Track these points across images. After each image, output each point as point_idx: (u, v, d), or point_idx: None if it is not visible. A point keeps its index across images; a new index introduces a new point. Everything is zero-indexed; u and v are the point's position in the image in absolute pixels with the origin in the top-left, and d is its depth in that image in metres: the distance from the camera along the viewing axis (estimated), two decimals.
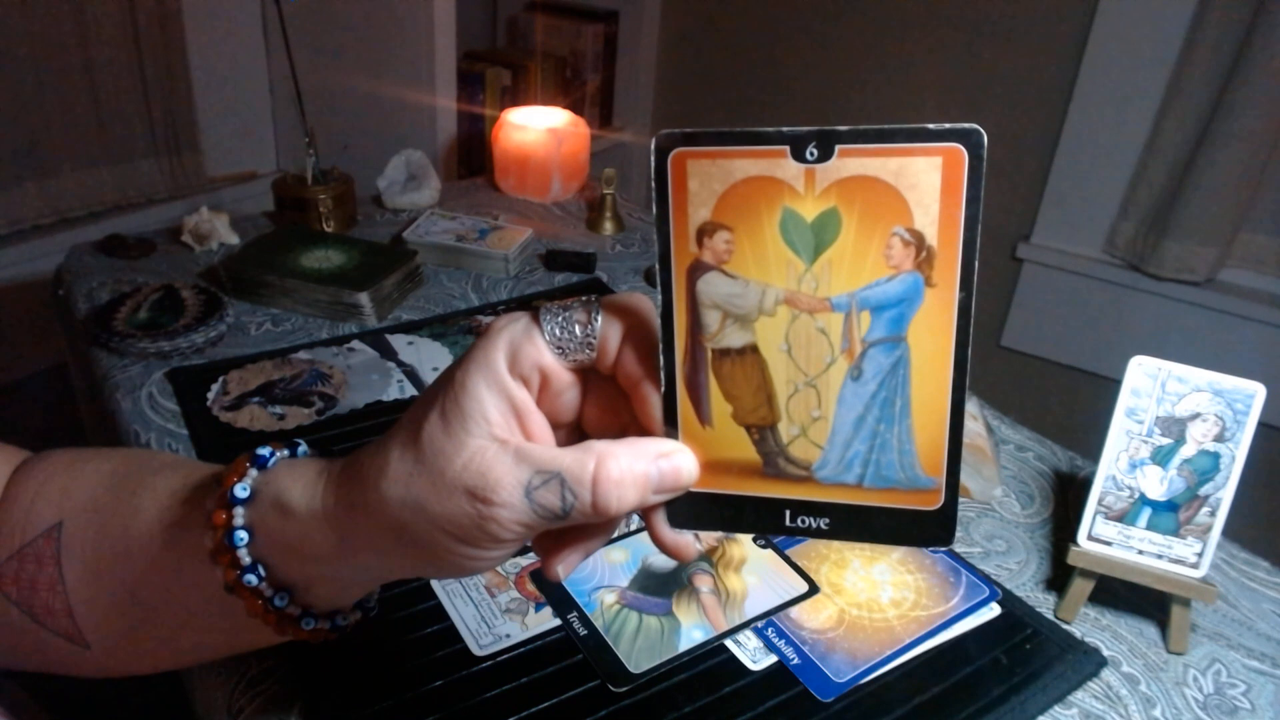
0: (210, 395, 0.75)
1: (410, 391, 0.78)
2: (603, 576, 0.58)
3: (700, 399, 0.32)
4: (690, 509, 0.33)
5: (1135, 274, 1.59)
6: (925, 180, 0.28)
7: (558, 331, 0.32)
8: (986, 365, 1.82)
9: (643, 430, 0.33)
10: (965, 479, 0.70)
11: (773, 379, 0.31)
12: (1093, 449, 0.59)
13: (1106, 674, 0.55)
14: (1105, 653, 0.56)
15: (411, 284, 0.97)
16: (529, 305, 0.34)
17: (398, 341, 0.86)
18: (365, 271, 0.92)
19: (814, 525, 0.32)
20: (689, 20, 2.02)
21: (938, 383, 0.30)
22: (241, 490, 0.36)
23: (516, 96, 1.90)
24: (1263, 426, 0.53)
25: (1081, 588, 0.58)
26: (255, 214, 1.14)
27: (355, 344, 0.85)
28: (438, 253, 1.03)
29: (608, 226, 1.16)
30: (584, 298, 0.34)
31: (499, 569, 0.58)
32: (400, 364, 0.83)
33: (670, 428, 0.32)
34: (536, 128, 1.22)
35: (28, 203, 1.60)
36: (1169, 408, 0.55)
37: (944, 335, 0.29)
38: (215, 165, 1.84)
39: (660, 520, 0.34)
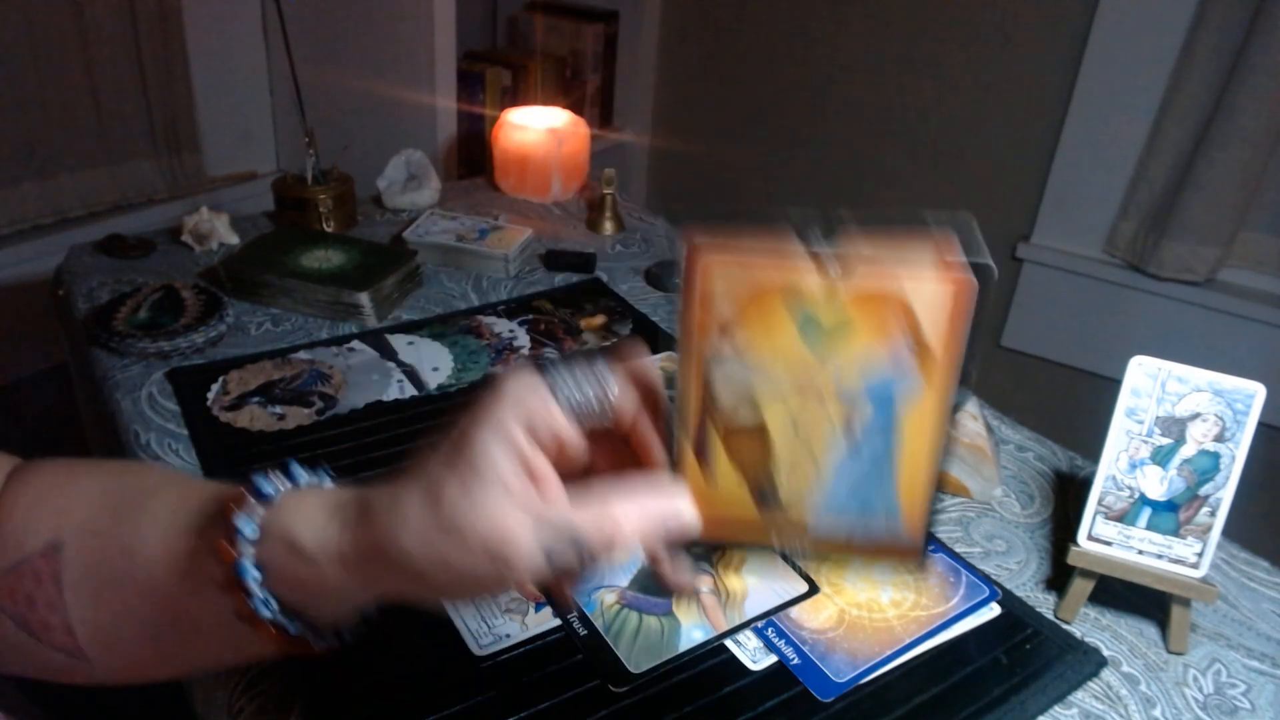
0: (210, 395, 0.75)
1: (410, 391, 0.78)
2: (603, 576, 0.58)
3: (707, 463, 0.35)
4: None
5: (1135, 274, 1.58)
6: (935, 298, 0.31)
7: (575, 399, 0.34)
8: (986, 365, 1.82)
9: (642, 467, 0.36)
10: (965, 479, 0.70)
11: (777, 453, 0.34)
12: (1093, 449, 0.59)
13: (1106, 674, 0.55)
14: (1105, 653, 0.56)
15: (411, 284, 0.97)
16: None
17: (398, 341, 0.86)
18: (365, 271, 0.92)
19: (800, 550, 0.37)
20: (689, 20, 2.02)
21: (923, 460, 0.34)
22: (246, 526, 0.36)
23: (516, 96, 1.90)
24: (1263, 426, 0.53)
25: (1081, 588, 0.58)
26: (255, 214, 1.14)
27: (355, 344, 0.85)
28: (438, 253, 1.03)
29: (608, 226, 1.16)
30: (592, 361, 0.35)
31: None
32: (400, 364, 0.83)
33: (671, 469, 0.35)
34: (536, 128, 1.22)
35: (28, 203, 1.60)
36: (1169, 408, 0.55)
37: (932, 420, 0.33)
38: (215, 165, 1.84)
39: (664, 559, 0.37)
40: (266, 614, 0.36)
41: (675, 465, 0.35)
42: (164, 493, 0.40)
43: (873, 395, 0.33)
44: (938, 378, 0.32)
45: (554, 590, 0.38)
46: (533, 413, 0.33)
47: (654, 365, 0.36)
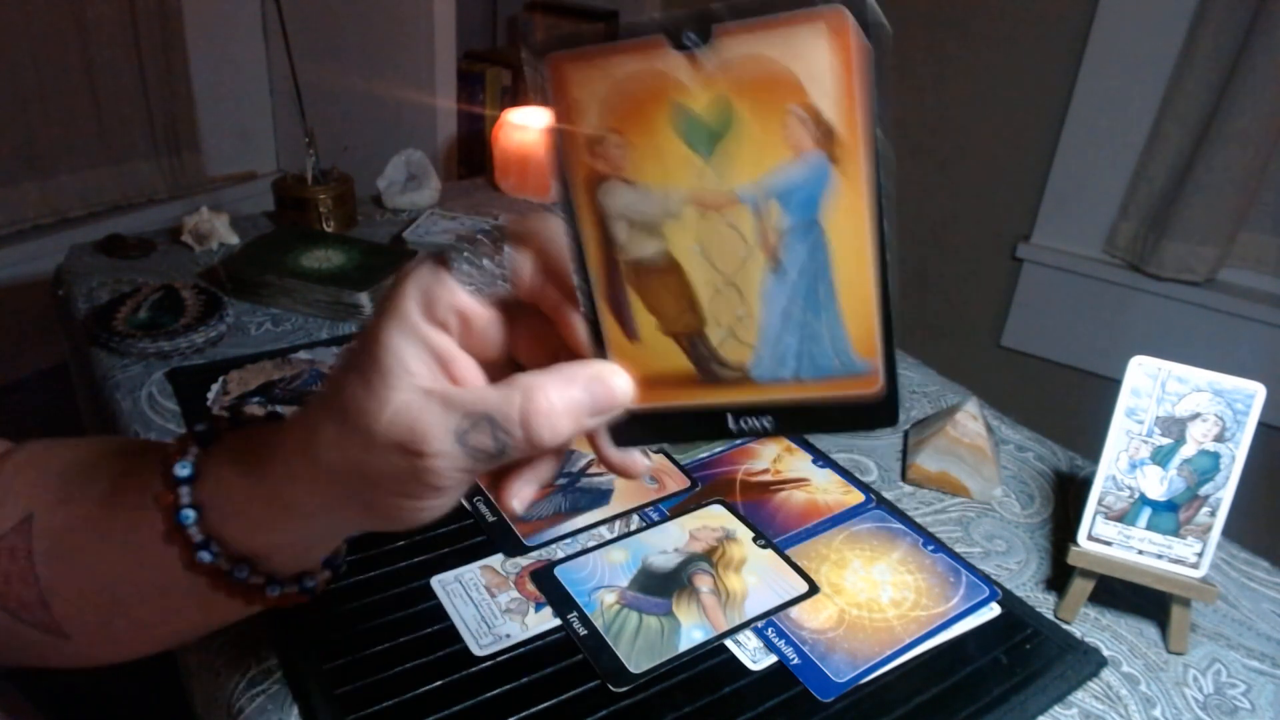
0: (210, 395, 0.75)
1: None
2: (603, 576, 0.58)
3: (624, 315, 0.31)
4: (632, 426, 0.32)
5: (1135, 274, 1.59)
6: (813, 51, 0.26)
7: (468, 269, 0.31)
8: (986, 365, 1.82)
9: (573, 355, 0.32)
10: (965, 479, 0.70)
11: (692, 284, 0.30)
12: (1093, 449, 0.59)
13: (1106, 674, 0.55)
14: (1105, 653, 0.56)
15: None
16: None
17: None
18: (365, 271, 0.92)
19: (758, 426, 0.31)
20: None
21: (860, 264, 0.28)
22: (183, 469, 0.36)
23: (516, 96, 1.90)
24: (1263, 426, 0.53)
25: (1081, 588, 0.58)
26: (255, 214, 1.14)
27: None
28: None
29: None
30: (488, 228, 0.32)
31: (499, 569, 0.58)
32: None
33: (598, 348, 0.31)
34: (536, 128, 1.22)
35: (28, 203, 1.60)
36: (1169, 408, 0.55)
37: (859, 214, 0.28)
38: (215, 165, 1.84)
39: (605, 442, 0.33)
40: (209, 559, 0.36)
41: (590, 321, 0.31)
42: (125, 457, 0.40)
43: (777, 191, 0.28)
44: (846, 153, 0.27)
45: (499, 494, 0.35)
46: (429, 292, 0.31)
47: (554, 220, 0.31)
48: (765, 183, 0.28)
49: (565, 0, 2.06)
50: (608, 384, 0.31)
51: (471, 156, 1.81)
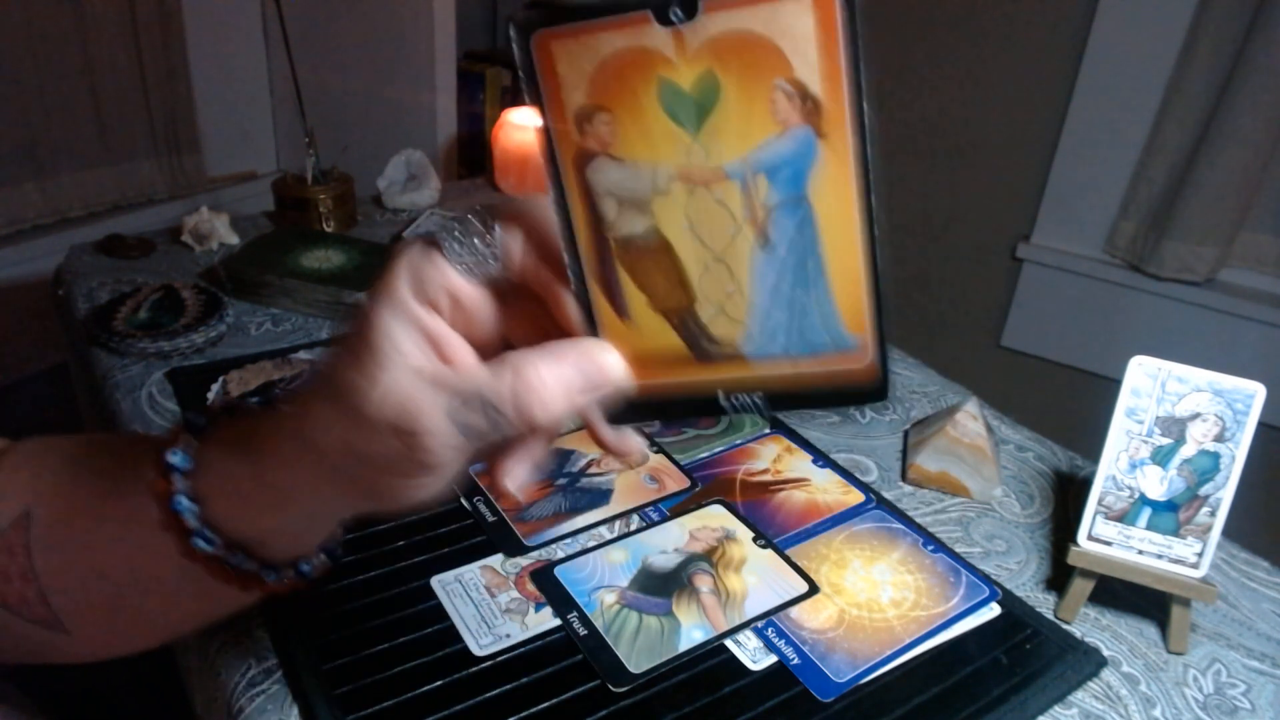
0: (210, 395, 0.75)
1: None
2: (603, 576, 0.58)
3: (614, 293, 0.31)
4: (625, 405, 0.32)
5: (1135, 274, 1.59)
6: (798, 25, 0.26)
7: (458, 248, 0.31)
8: (986, 365, 1.82)
9: (565, 335, 0.32)
10: (965, 479, 0.70)
11: (681, 260, 0.30)
12: (1093, 449, 0.59)
13: (1106, 674, 0.55)
14: (1105, 653, 0.56)
15: None
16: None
17: None
18: (365, 271, 0.92)
19: (750, 402, 0.31)
20: None
21: (848, 238, 0.28)
22: (175, 457, 0.36)
23: (516, 96, 1.90)
24: (1263, 426, 0.53)
25: (1081, 588, 0.58)
26: (255, 214, 1.14)
27: None
28: None
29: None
30: (478, 208, 0.32)
31: (499, 569, 0.58)
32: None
33: (590, 327, 0.31)
34: (536, 127, 1.22)
35: (28, 203, 1.60)
36: (1169, 408, 0.55)
37: (846, 187, 0.28)
38: (215, 165, 1.84)
39: (599, 421, 0.33)
40: (206, 547, 0.36)
41: (581, 300, 0.31)
42: (120, 450, 0.40)
43: (765, 166, 0.28)
44: (832, 125, 0.27)
45: (496, 471, 0.35)
46: (421, 275, 0.31)
47: (543, 200, 0.31)
48: (752, 158, 0.28)
49: (565, 0, 2.06)
50: (598, 360, 0.31)
51: (471, 156, 1.81)
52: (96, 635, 0.41)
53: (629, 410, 0.32)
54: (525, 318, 0.34)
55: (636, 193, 0.29)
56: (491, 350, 0.34)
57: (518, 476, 0.35)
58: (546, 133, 0.29)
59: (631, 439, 0.35)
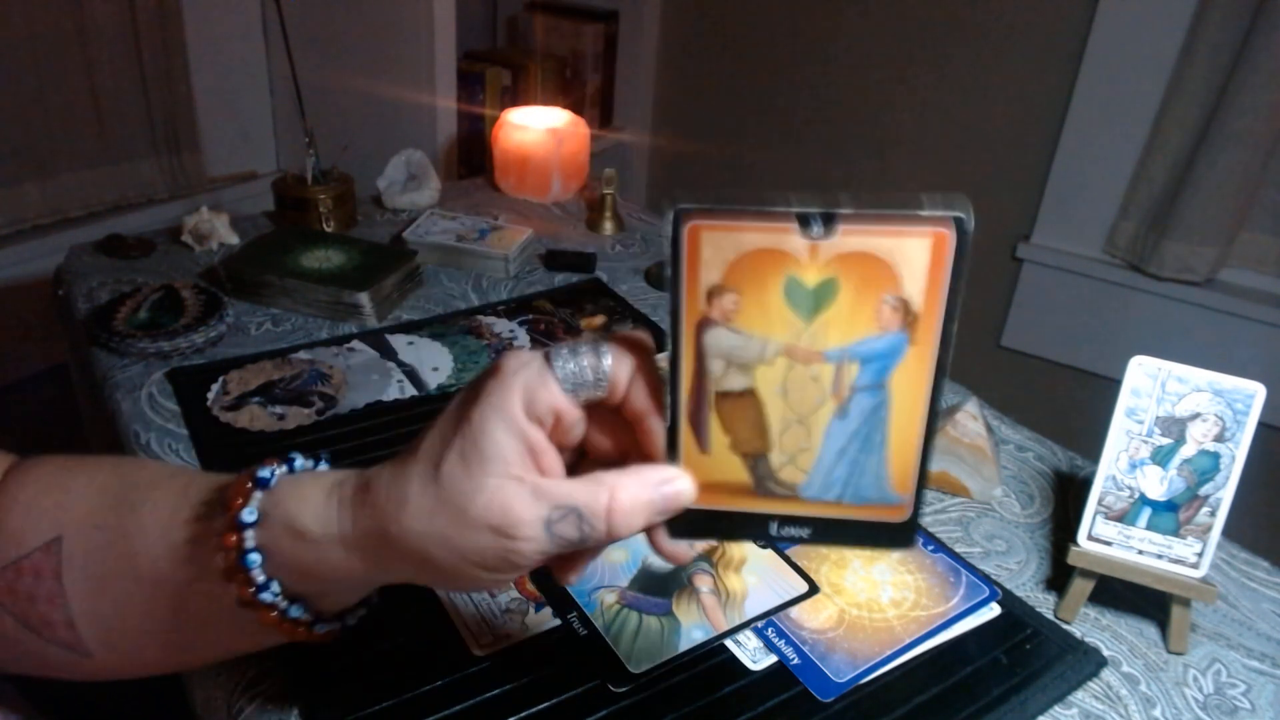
0: (210, 395, 0.75)
1: (410, 391, 0.78)
2: (603, 576, 0.58)
3: (701, 431, 0.35)
4: (688, 522, 0.37)
5: (1135, 274, 1.58)
6: (915, 257, 0.32)
7: (571, 374, 0.35)
8: (986, 365, 1.82)
9: (644, 454, 0.37)
10: (965, 479, 0.70)
11: (768, 416, 0.35)
12: (1093, 449, 0.59)
13: (1106, 674, 0.55)
14: (1105, 653, 0.56)
15: (411, 284, 0.97)
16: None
17: (398, 341, 0.86)
18: (365, 271, 0.92)
19: (796, 534, 0.37)
20: (689, 20, 2.02)
21: (912, 420, 0.34)
22: (249, 514, 0.36)
23: (516, 96, 1.90)
24: (1263, 426, 0.53)
25: (1081, 588, 0.58)
26: (255, 214, 1.14)
27: (355, 344, 0.85)
28: (438, 253, 1.03)
29: (608, 226, 1.16)
30: (592, 339, 0.36)
31: None
32: (400, 364, 0.83)
33: (672, 455, 0.36)
34: (536, 128, 1.22)
35: (28, 203, 1.60)
36: (1169, 408, 0.55)
37: (920, 383, 0.34)
38: (215, 165, 1.84)
39: (661, 533, 0.37)
40: (269, 599, 0.37)
41: (670, 432, 0.35)
42: (165, 484, 0.41)
43: (859, 356, 0.34)
44: (922, 335, 0.33)
45: (558, 572, 0.39)
46: (530, 388, 0.34)
47: (648, 337, 0.37)
48: (850, 348, 0.33)
49: (565, 0, 2.06)
50: (677, 488, 0.35)
51: (471, 156, 1.81)
52: (120, 661, 0.41)
53: (689, 525, 0.37)
54: (605, 428, 0.38)
55: (744, 358, 0.34)
56: (569, 453, 0.38)
57: (581, 573, 0.40)
58: (677, 297, 0.33)
59: (684, 548, 0.39)
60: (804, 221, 0.32)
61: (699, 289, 0.33)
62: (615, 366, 0.35)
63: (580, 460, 0.39)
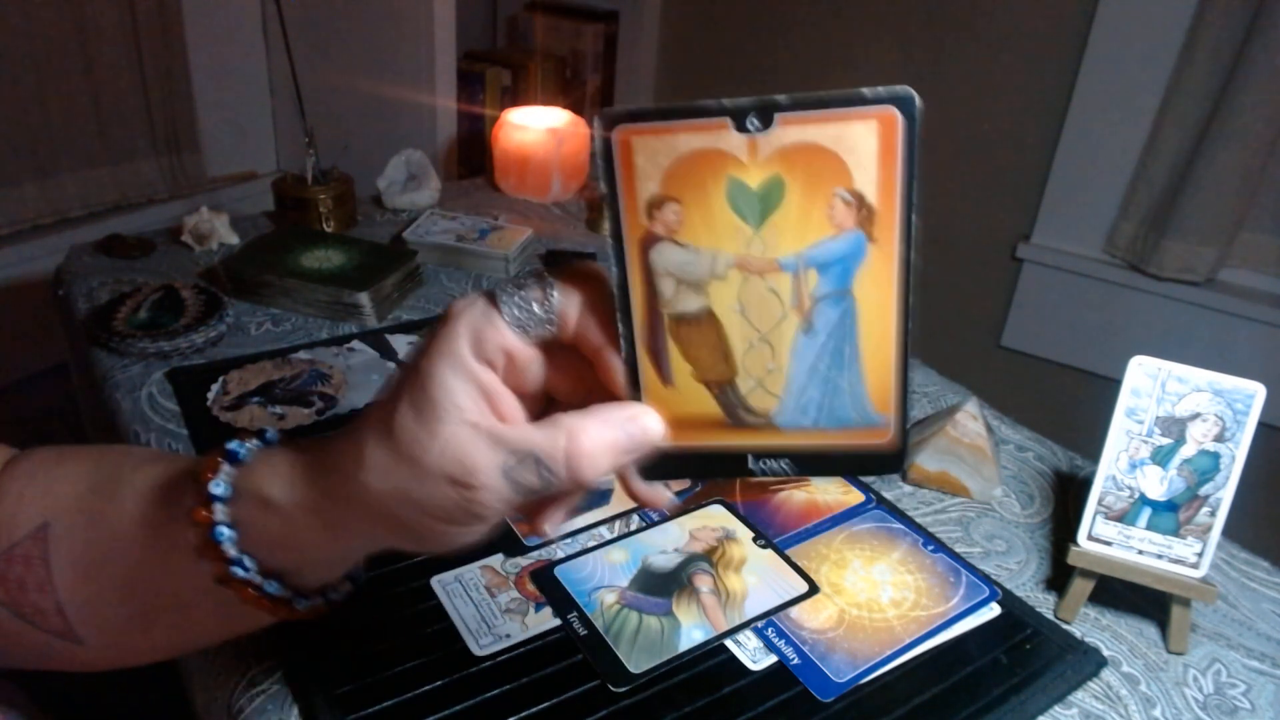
0: (210, 395, 0.75)
1: None
2: (603, 576, 0.58)
3: (661, 361, 0.33)
4: (660, 462, 0.35)
5: (1135, 274, 1.58)
6: (863, 144, 0.29)
7: (517, 312, 0.33)
8: (986, 365, 1.82)
9: (607, 393, 0.34)
10: (965, 479, 0.70)
11: (728, 338, 0.32)
12: (1093, 449, 0.59)
13: (1106, 674, 0.55)
14: (1105, 653, 0.56)
15: (411, 284, 0.97)
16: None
17: (398, 341, 0.86)
18: (365, 271, 0.92)
19: (776, 467, 0.34)
20: (689, 20, 2.02)
21: (884, 329, 0.31)
22: (217, 487, 0.36)
23: (516, 96, 1.90)
24: (1263, 426, 0.53)
25: (1081, 588, 0.58)
26: (255, 214, 1.14)
27: (355, 344, 0.85)
28: (438, 253, 1.03)
29: (608, 226, 1.16)
30: (537, 272, 0.34)
31: (499, 569, 0.58)
32: (400, 364, 0.83)
33: (634, 390, 0.34)
34: (536, 128, 1.22)
35: (28, 203, 1.60)
36: (1169, 408, 0.55)
37: (887, 286, 0.31)
38: (215, 165, 1.84)
39: (633, 475, 0.35)
40: (243, 574, 0.36)
41: (629, 366, 0.33)
42: (146, 467, 0.41)
43: (817, 261, 0.31)
44: (882, 232, 0.30)
45: (532, 521, 0.37)
46: (479, 331, 0.33)
47: (600, 269, 0.34)
48: (806, 254, 0.31)
49: (565, 1, 2.06)
50: (643, 425, 0.33)
51: (471, 156, 1.81)
52: (111, 647, 0.41)
53: (663, 466, 0.35)
54: (568, 372, 0.36)
55: (695, 275, 0.32)
56: (534, 401, 0.36)
57: (555, 521, 0.37)
58: (616, 215, 0.32)
59: (661, 490, 0.37)
60: (738, 116, 0.30)
61: (638, 203, 0.31)
62: (563, 300, 0.33)
63: (549, 407, 0.37)
